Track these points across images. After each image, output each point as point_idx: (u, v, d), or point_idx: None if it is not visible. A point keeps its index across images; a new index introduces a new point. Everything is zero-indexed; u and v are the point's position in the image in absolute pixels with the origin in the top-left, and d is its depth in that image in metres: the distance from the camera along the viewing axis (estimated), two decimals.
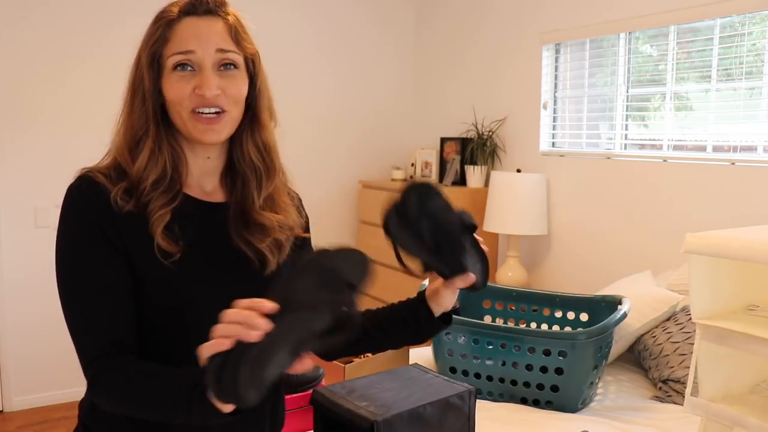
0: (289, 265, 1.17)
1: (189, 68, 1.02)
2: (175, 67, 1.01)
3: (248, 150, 1.11)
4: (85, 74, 3.28)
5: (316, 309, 0.81)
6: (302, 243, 1.21)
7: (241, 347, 0.75)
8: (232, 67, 1.04)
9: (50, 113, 3.23)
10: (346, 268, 0.85)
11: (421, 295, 1.18)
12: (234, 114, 1.06)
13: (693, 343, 1.37)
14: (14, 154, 3.17)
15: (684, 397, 1.51)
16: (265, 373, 0.77)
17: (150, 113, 1.03)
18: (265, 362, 0.77)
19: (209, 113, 1.02)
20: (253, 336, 0.76)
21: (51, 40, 3.19)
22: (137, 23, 3.73)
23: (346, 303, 0.84)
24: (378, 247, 4.29)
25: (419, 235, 1.06)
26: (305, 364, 0.81)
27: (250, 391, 0.75)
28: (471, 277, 1.10)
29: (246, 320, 0.77)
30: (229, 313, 0.79)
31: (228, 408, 0.80)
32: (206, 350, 0.78)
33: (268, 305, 0.78)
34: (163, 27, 1.03)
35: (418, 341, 1.21)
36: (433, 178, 3.77)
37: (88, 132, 3.27)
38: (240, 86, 1.05)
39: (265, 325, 0.77)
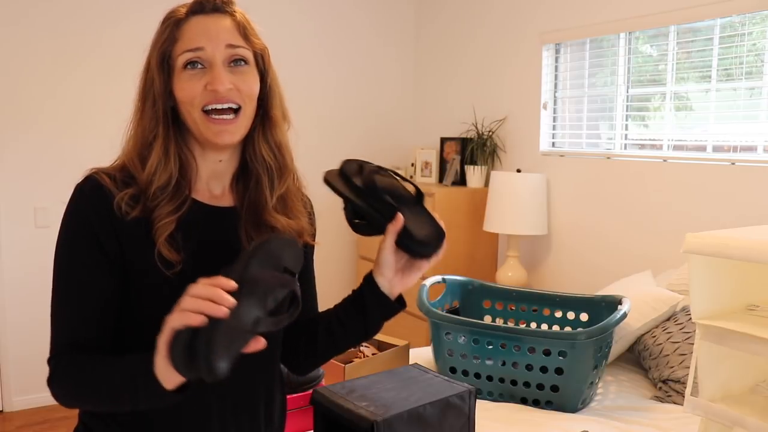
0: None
1: (199, 66, 1.01)
2: (186, 65, 1.01)
3: (261, 149, 1.09)
4: (85, 74, 3.28)
5: (270, 288, 0.87)
6: (308, 250, 1.20)
7: (212, 322, 0.80)
8: (242, 62, 1.03)
9: (50, 113, 3.23)
10: (283, 254, 0.94)
11: (369, 276, 1.15)
12: (248, 112, 1.05)
13: (693, 343, 1.37)
14: (14, 154, 3.17)
15: (684, 397, 1.51)
16: (235, 346, 0.82)
17: (160, 115, 1.02)
18: (235, 336, 0.82)
19: (222, 108, 1.01)
20: (223, 311, 0.81)
21: (50, 40, 3.19)
22: (137, 23, 3.72)
23: (291, 284, 0.90)
24: (377, 246, 4.27)
25: (354, 184, 1.11)
26: (259, 343, 0.86)
27: (223, 363, 0.80)
28: (399, 218, 1.07)
29: (213, 296, 0.82)
30: (194, 289, 0.83)
31: (172, 384, 0.85)
32: (175, 322, 0.82)
33: (231, 283, 0.84)
34: (171, 27, 1.02)
35: (368, 326, 1.15)
36: (433, 178, 3.77)
37: (89, 132, 3.27)
38: (251, 82, 1.04)
39: (231, 301, 0.82)
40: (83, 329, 1.00)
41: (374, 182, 1.11)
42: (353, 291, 1.17)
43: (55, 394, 0.99)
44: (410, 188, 1.16)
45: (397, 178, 1.16)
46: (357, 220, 1.13)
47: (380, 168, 1.16)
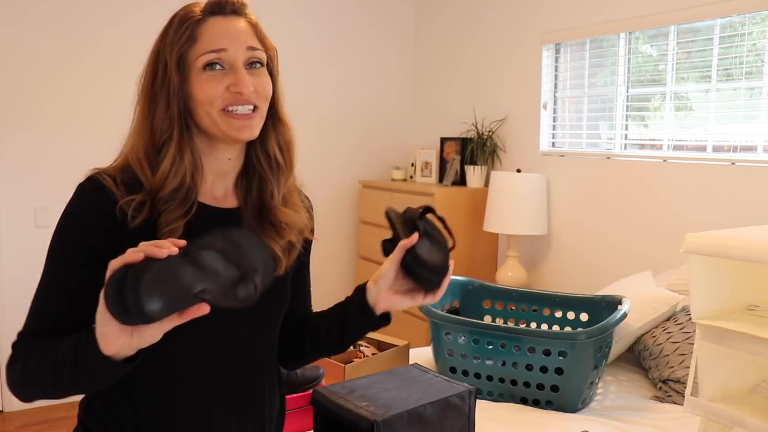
0: (296, 268, 1.17)
1: (219, 67, 1.01)
2: (205, 66, 1.01)
3: (271, 148, 1.11)
4: (85, 74, 3.28)
5: (227, 259, 0.83)
6: (307, 246, 1.21)
7: (147, 260, 0.77)
8: (258, 64, 1.05)
9: (50, 113, 3.23)
10: (254, 254, 0.87)
11: (362, 285, 1.16)
12: (264, 111, 1.06)
13: (693, 343, 1.37)
14: (14, 154, 3.17)
15: (684, 397, 1.51)
16: (168, 285, 0.77)
17: (175, 117, 1.02)
18: (168, 275, 0.78)
19: (244, 111, 1.02)
20: (162, 253, 0.78)
21: (51, 40, 3.19)
22: (137, 22, 3.71)
23: (252, 277, 0.84)
24: (378, 246, 4.26)
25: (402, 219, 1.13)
26: (202, 309, 0.82)
27: (154, 304, 0.76)
28: (414, 237, 1.08)
29: (159, 244, 0.80)
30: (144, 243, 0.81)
31: (112, 348, 0.81)
32: (115, 263, 0.79)
33: (181, 242, 0.82)
34: (190, 28, 1.02)
35: (344, 332, 1.17)
36: (433, 178, 3.77)
37: (89, 132, 3.27)
38: (267, 83, 1.06)
39: (173, 249, 0.79)
40: (53, 320, 0.98)
41: (415, 215, 1.13)
42: (346, 297, 1.18)
43: (8, 379, 0.97)
44: (448, 239, 1.16)
45: (442, 223, 1.16)
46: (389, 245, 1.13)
47: (431, 209, 1.16)
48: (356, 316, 1.14)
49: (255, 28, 1.05)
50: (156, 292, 0.76)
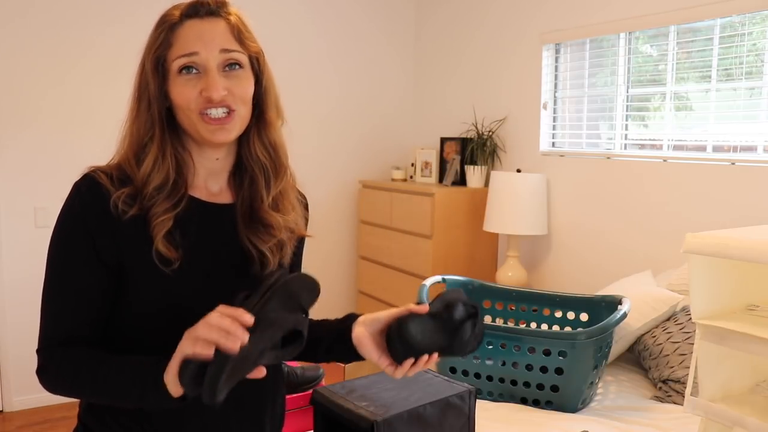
0: (289, 265, 1.18)
1: (194, 70, 1.02)
2: (180, 70, 1.02)
3: (256, 149, 1.11)
4: (85, 73, 3.28)
5: (280, 327, 0.92)
6: (300, 242, 1.22)
7: (221, 357, 0.85)
8: (236, 66, 1.04)
9: (50, 112, 3.23)
10: (302, 293, 0.97)
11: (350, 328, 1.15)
12: (242, 113, 1.06)
13: (693, 343, 1.37)
14: (14, 154, 3.17)
15: (684, 397, 1.51)
16: (237, 376, 0.88)
17: (156, 118, 1.04)
18: (240, 371, 0.87)
19: (218, 114, 1.02)
20: (234, 348, 0.85)
21: (49, 39, 3.19)
22: (136, 21, 3.71)
23: (301, 324, 0.95)
24: (378, 246, 4.28)
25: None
26: (261, 371, 0.91)
27: (223, 394, 0.85)
28: (425, 308, 1.10)
29: (229, 329, 0.85)
30: (212, 318, 0.87)
31: (179, 393, 0.90)
32: (187, 349, 0.87)
33: (248, 319, 0.87)
34: (165, 31, 1.03)
35: (334, 352, 1.19)
36: (433, 178, 3.77)
37: (88, 131, 3.27)
38: (246, 86, 1.05)
39: (244, 338, 0.85)
40: (73, 325, 1.01)
41: (460, 299, 1.18)
42: (339, 323, 1.17)
43: (48, 384, 1.01)
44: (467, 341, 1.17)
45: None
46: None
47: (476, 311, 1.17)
48: (338, 342, 1.14)
49: (234, 29, 1.05)
50: (227, 386, 0.86)
